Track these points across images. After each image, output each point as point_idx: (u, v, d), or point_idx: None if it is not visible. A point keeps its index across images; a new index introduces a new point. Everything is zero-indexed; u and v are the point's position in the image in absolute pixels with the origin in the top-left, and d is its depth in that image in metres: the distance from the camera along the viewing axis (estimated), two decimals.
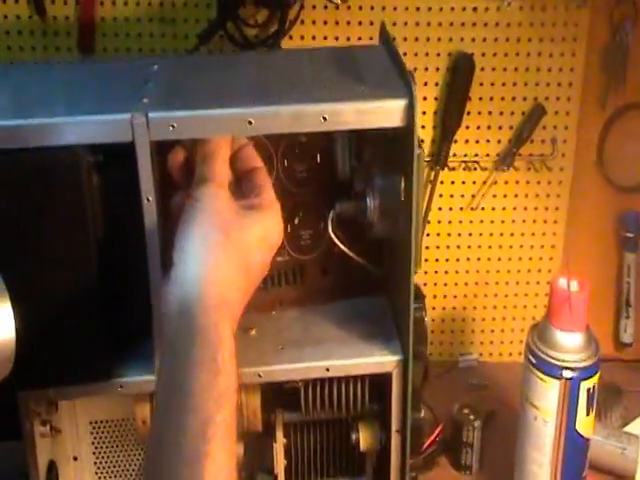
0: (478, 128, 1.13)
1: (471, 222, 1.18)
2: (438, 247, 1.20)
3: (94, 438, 0.90)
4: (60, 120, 0.69)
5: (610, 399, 1.11)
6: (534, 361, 0.90)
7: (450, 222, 1.18)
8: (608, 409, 1.10)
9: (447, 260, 1.21)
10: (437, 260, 1.20)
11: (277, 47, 1.05)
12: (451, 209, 1.18)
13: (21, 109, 0.73)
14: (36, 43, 1.06)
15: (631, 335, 1.23)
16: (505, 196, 1.17)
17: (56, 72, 0.87)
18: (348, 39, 1.08)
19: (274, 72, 0.82)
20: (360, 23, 1.07)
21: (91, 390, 0.79)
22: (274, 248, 0.71)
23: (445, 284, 1.22)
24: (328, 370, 0.81)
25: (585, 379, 0.89)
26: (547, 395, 0.90)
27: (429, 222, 1.17)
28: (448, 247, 1.20)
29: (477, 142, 1.14)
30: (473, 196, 1.17)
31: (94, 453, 0.91)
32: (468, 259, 1.21)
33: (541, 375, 0.90)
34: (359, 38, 1.08)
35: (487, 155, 1.15)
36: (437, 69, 1.11)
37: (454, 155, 1.14)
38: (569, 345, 0.89)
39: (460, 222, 1.18)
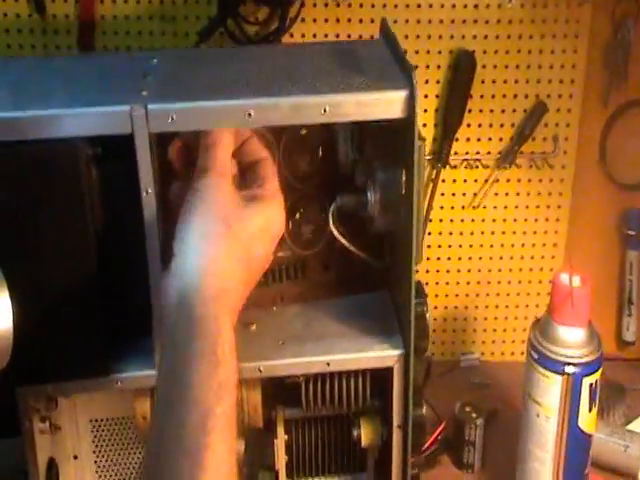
0: (479, 126, 1.13)
1: (473, 220, 1.18)
2: (440, 246, 1.19)
3: (94, 436, 0.90)
4: (59, 112, 0.69)
5: (613, 397, 1.11)
6: (536, 357, 0.90)
7: (452, 221, 1.18)
8: (611, 407, 1.10)
9: (449, 259, 1.20)
10: (439, 259, 1.20)
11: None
12: (453, 207, 1.17)
13: (20, 101, 0.73)
14: (36, 41, 1.06)
15: (634, 333, 1.22)
16: (507, 194, 1.17)
17: (55, 65, 0.87)
18: (349, 37, 1.07)
19: (274, 65, 0.81)
20: (361, 21, 1.07)
21: (89, 386, 0.79)
22: (276, 239, 0.71)
23: (447, 283, 1.21)
24: (329, 364, 0.80)
25: (587, 375, 0.88)
26: (549, 391, 0.89)
27: (431, 221, 1.16)
28: (450, 246, 1.19)
29: (478, 140, 1.14)
30: (475, 194, 1.16)
31: (94, 452, 0.91)
32: (470, 258, 1.20)
33: (543, 371, 0.89)
34: (360, 36, 1.07)
35: (488, 153, 1.14)
36: (438, 67, 1.10)
37: (455, 153, 1.14)
38: (571, 340, 0.88)
39: (462, 221, 1.18)
